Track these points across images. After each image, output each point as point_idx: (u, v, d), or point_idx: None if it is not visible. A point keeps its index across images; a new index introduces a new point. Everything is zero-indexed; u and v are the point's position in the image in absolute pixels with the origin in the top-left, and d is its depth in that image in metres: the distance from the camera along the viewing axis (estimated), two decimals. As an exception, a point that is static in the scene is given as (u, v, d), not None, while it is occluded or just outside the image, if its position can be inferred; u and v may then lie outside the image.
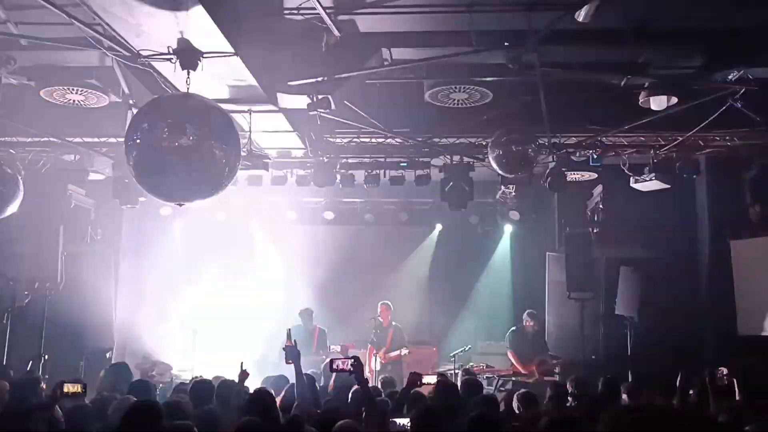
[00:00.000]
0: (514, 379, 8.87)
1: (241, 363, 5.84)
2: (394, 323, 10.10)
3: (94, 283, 10.20)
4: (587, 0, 4.86)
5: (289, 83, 6.25)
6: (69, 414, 4.93)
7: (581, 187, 9.74)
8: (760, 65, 6.43)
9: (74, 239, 10.15)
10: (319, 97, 6.27)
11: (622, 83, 6.75)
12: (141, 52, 5.28)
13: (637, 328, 9.32)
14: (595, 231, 10.00)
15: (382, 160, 8.98)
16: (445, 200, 9.03)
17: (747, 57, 6.23)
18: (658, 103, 6.59)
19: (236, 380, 5.79)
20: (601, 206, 9.85)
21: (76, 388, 4.91)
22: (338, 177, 8.99)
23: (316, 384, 6.70)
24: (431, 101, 7.09)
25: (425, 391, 6.00)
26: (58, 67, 6.61)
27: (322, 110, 6.47)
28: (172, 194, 5.01)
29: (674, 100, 6.59)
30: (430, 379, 6.46)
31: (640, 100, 6.66)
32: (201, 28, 4.80)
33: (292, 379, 5.54)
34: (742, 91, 6.83)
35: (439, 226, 11.98)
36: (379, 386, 7.08)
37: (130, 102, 6.67)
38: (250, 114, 6.93)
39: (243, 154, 5.59)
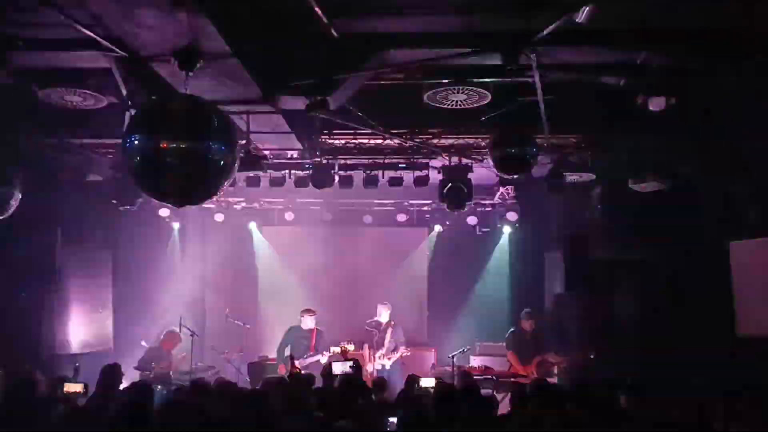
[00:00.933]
0: (512, 380, 8.86)
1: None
2: (392, 324, 10.10)
3: (92, 284, 10.21)
4: (586, 1, 4.86)
5: (287, 84, 6.24)
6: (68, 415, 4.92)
7: (579, 188, 9.74)
8: (758, 66, 6.42)
9: (72, 241, 10.15)
10: (317, 98, 6.26)
11: (621, 84, 6.74)
12: (139, 53, 5.27)
13: (635, 328, 9.34)
14: (593, 232, 10.00)
15: (381, 161, 8.99)
16: (444, 201, 9.04)
17: (745, 57, 6.22)
18: (656, 104, 6.59)
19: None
20: (599, 207, 9.85)
21: (77, 387, 4.92)
22: (336, 178, 8.99)
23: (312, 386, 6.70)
24: (430, 102, 7.08)
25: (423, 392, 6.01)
26: (56, 68, 6.59)
27: (321, 112, 6.46)
28: (170, 196, 5.01)
29: (673, 101, 6.59)
30: (428, 382, 6.48)
31: (639, 101, 6.65)
32: (200, 29, 4.80)
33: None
34: (740, 92, 6.85)
35: (437, 228, 11.99)
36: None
37: (129, 103, 6.64)
38: (248, 115, 6.94)
39: (241, 155, 5.58)
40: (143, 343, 9.81)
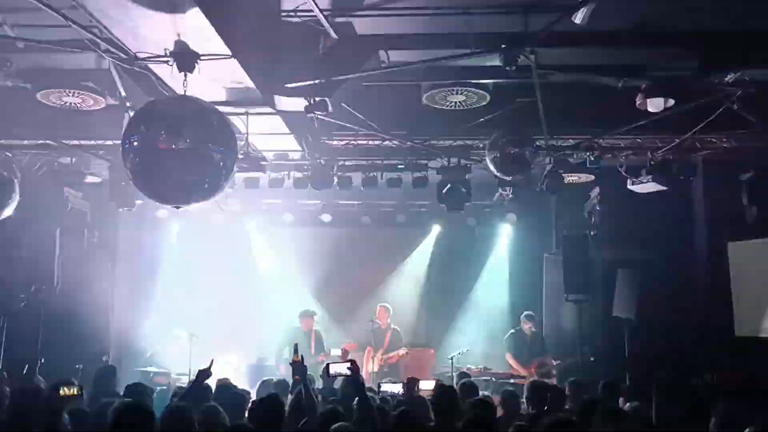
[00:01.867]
0: (511, 381, 8.86)
1: (211, 360, 5.50)
2: (392, 325, 10.09)
3: (91, 286, 10.19)
4: (584, 2, 4.86)
5: (286, 86, 6.24)
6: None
7: (578, 189, 9.74)
8: (757, 67, 6.43)
9: (71, 242, 10.13)
10: (317, 99, 6.26)
11: (620, 85, 6.75)
12: (138, 54, 5.27)
13: (634, 329, 9.34)
14: (592, 233, 10.00)
15: (380, 162, 8.98)
16: (443, 202, 9.02)
17: (744, 58, 6.24)
18: (655, 105, 6.60)
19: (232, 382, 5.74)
20: (598, 208, 9.85)
21: (72, 390, 4.89)
22: (335, 179, 8.99)
23: (314, 387, 6.68)
24: (428, 103, 7.09)
25: (424, 395, 5.99)
26: (54, 69, 6.59)
27: (320, 113, 6.46)
28: (169, 197, 5.00)
29: (671, 102, 6.60)
30: (428, 385, 6.46)
31: (637, 102, 6.66)
32: (198, 30, 4.80)
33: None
34: (738, 93, 6.86)
35: (436, 228, 11.97)
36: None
37: (127, 105, 6.65)
38: (247, 116, 6.93)
39: (240, 156, 5.58)
40: (143, 344, 9.80)
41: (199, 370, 5.33)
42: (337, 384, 6.61)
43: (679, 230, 9.44)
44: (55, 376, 8.58)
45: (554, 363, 9.41)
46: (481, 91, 6.80)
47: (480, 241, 11.88)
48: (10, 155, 8.55)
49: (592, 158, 8.59)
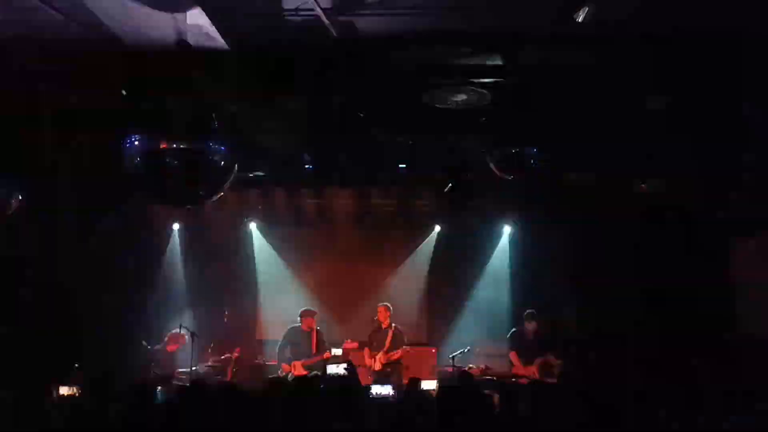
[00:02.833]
0: (513, 380, 8.86)
1: None
2: (393, 325, 10.09)
3: (91, 285, 10.19)
4: (587, 1, 4.86)
5: (289, 85, 6.24)
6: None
7: (580, 187, 9.74)
8: (758, 67, 6.42)
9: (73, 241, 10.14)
10: (319, 98, 6.26)
11: (620, 83, 6.75)
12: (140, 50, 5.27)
13: (635, 328, 9.34)
14: (593, 231, 10.00)
15: (381, 161, 8.98)
16: (444, 201, 9.02)
17: (745, 58, 6.23)
18: (656, 103, 6.60)
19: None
20: (599, 206, 9.85)
21: (72, 390, 4.90)
22: (337, 178, 8.99)
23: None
24: (429, 102, 7.08)
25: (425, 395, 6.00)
26: (55, 66, 6.57)
27: (322, 111, 6.47)
28: (170, 197, 5.00)
29: (672, 100, 6.60)
30: (430, 384, 6.46)
31: (639, 101, 6.66)
32: (199, 28, 4.80)
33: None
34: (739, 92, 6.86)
35: (437, 227, 11.96)
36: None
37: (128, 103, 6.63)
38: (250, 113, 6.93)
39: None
40: (144, 343, 9.80)
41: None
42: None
43: (681, 229, 9.43)
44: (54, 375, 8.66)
45: (558, 362, 9.40)
46: (482, 91, 6.80)
47: (481, 240, 11.87)
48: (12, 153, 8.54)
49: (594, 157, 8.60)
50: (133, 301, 10.56)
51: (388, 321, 10.08)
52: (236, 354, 10.13)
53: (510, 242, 11.69)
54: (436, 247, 12.00)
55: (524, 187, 9.27)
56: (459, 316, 11.47)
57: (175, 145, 4.57)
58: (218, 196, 5.33)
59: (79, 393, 5.08)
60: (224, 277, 11.50)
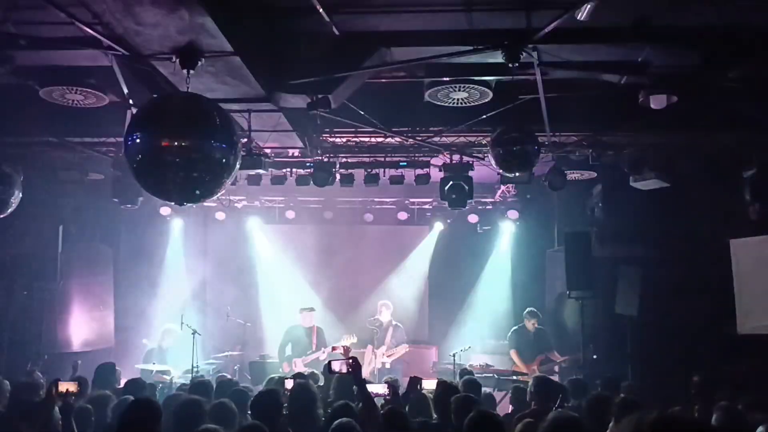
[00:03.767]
0: (514, 378, 8.86)
1: None
2: (394, 322, 10.10)
3: (93, 282, 10.22)
4: (587, -1, 4.86)
5: (288, 83, 6.23)
6: (66, 413, 4.90)
7: (581, 186, 9.74)
8: (759, 63, 6.42)
9: (73, 239, 10.16)
10: (319, 96, 6.25)
11: (622, 81, 6.75)
12: (141, 51, 5.27)
13: (636, 327, 9.34)
14: (594, 230, 10.00)
15: (382, 159, 8.98)
16: (445, 199, 9.03)
17: (747, 54, 6.23)
18: (657, 102, 6.59)
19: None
20: (600, 205, 9.85)
21: (71, 386, 4.89)
22: (338, 176, 8.99)
23: (316, 384, 6.69)
24: (431, 100, 7.08)
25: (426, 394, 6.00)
26: (57, 66, 6.59)
27: (322, 110, 6.46)
28: (171, 194, 5.00)
29: (674, 98, 6.59)
30: (431, 384, 6.45)
31: (640, 99, 6.65)
32: (201, 27, 4.80)
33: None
34: (741, 90, 6.85)
35: (438, 226, 11.98)
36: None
37: (130, 102, 6.65)
38: (249, 114, 6.93)
39: (242, 153, 5.57)
40: (145, 341, 9.82)
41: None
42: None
43: (682, 227, 9.42)
44: (54, 371, 8.66)
45: (561, 359, 9.40)
46: (483, 88, 6.79)
47: (482, 239, 11.89)
48: (13, 152, 8.56)
49: (594, 155, 8.61)
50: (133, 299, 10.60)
51: (388, 318, 10.10)
52: (237, 352, 10.14)
53: (512, 239, 11.70)
54: (436, 245, 12.02)
55: (526, 184, 9.29)
56: (459, 314, 11.49)
57: (176, 143, 4.56)
58: (218, 193, 5.34)
59: (76, 390, 5.06)
60: (225, 274, 11.52)
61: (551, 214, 11.10)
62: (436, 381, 6.47)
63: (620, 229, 9.71)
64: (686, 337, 8.89)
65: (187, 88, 5.20)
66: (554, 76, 6.63)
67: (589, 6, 4.94)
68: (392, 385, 5.51)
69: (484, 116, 7.48)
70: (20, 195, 8.19)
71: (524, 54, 5.82)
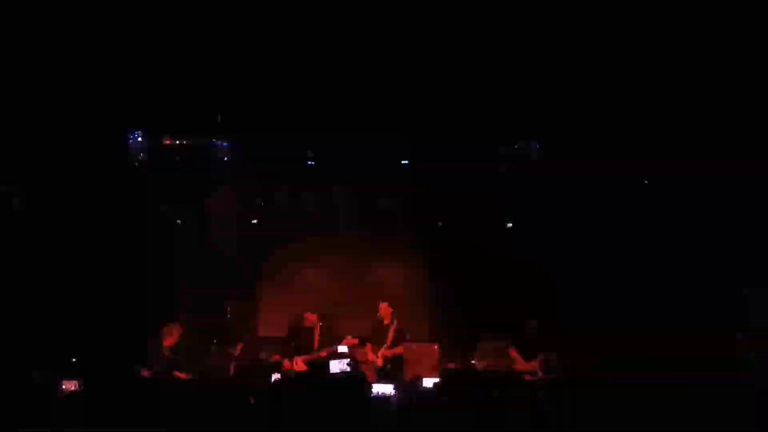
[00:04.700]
0: (515, 376, 8.85)
1: None
2: (395, 322, 10.10)
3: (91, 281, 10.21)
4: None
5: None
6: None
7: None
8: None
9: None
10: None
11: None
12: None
13: (636, 328, 9.33)
14: (593, 231, 10.00)
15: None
16: (446, 198, 9.02)
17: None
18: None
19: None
20: (600, 205, 9.85)
21: (73, 386, 4.90)
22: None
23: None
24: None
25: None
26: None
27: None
28: (173, 192, 5.02)
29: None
30: (431, 382, 6.48)
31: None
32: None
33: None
34: None
35: (440, 224, 11.95)
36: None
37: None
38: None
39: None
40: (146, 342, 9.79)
41: None
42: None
43: (682, 228, 9.43)
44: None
45: (557, 359, 9.38)
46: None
47: (483, 237, 11.83)
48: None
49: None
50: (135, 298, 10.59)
51: (389, 317, 10.10)
52: (238, 351, 10.13)
53: (511, 239, 11.68)
54: (437, 243, 12.00)
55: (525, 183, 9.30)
56: (460, 312, 11.46)
57: (178, 142, 4.57)
58: (220, 191, 5.36)
59: (80, 388, 5.07)
60: (226, 273, 11.51)
61: (551, 213, 11.06)
62: (437, 379, 6.50)
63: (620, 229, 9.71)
64: (686, 338, 8.87)
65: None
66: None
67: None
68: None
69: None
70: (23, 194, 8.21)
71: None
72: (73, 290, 9.72)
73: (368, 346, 9.99)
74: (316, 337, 9.73)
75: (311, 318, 9.85)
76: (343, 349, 9.47)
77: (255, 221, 11.69)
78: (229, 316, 10.52)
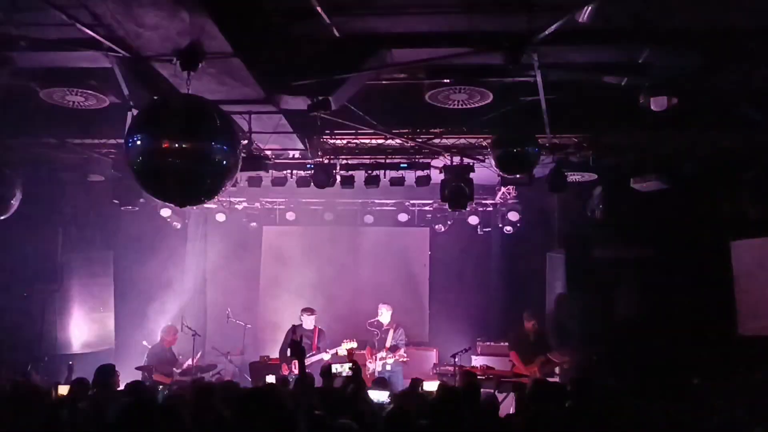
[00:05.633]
0: (514, 380, 8.85)
1: None
2: (394, 324, 10.09)
3: (93, 284, 10.21)
4: (588, 1, 4.85)
5: (289, 84, 6.24)
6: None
7: (581, 187, 9.73)
8: (759, 65, 6.43)
9: (73, 241, 10.16)
10: (319, 98, 6.25)
11: (622, 83, 6.75)
12: (141, 52, 5.27)
13: (637, 328, 9.33)
14: (595, 231, 9.99)
15: (382, 161, 8.97)
16: (445, 201, 9.02)
17: (747, 57, 6.23)
18: (658, 103, 6.58)
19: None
20: (601, 206, 9.85)
21: (66, 390, 4.89)
22: (338, 178, 8.99)
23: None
24: (431, 102, 7.08)
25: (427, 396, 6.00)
26: (58, 68, 6.59)
27: (322, 112, 6.46)
28: (172, 196, 5.00)
29: (674, 100, 6.58)
30: (431, 386, 6.47)
31: (640, 101, 6.65)
32: (201, 28, 4.80)
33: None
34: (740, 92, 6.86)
35: (439, 227, 11.97)
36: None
37: (130, 103, 6.65)
38: (250, 115, 6.94)
39: (243, 155, 5.57)
40: (145, 342, 9.81)
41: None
42: (337, 384, 6.60)
43: (682, 228, 9.42)
44: (53, 372, 8.66)
45: (561, 360, 9.37)
46: (483, 90, 6.79)
47: (482, 240, 11.88)
48: (13, 153, 8.56)
49: (595, 157, 8.60)
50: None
51: (389, 321, 10.09)
52: (237, 353, 10.13)
53: (511, 242, 11.69)
54: (437, 246, 12.02)
55: (527, 185, 9.29)
56: (460, 315, 11.47)
57: (176, 145, 4.56)
58: (219, 195, 5.34)
59: (74, 393, 5.06)
60: (225, 276, 11.52)
61: (551, 215, 11.09)
62: (437, 383, 6.49)
63: (620, 230, 9.70)
64: (686, 338, 8.88)
65: (188, 89, 5.20)
66: (555, 78, 6.63)
67: (589, 8, 4.93)
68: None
69: (485, 118, 7.48)
70: (20, 196, 8.20)
71: (525, 56, 5.82)
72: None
73: (368, 348, 9.97)
74: (315, 341, 9.71)
75: (310, 320, 9.79)
76: (342, 352, 9.44)
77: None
78: (229, 318, 10.48)
